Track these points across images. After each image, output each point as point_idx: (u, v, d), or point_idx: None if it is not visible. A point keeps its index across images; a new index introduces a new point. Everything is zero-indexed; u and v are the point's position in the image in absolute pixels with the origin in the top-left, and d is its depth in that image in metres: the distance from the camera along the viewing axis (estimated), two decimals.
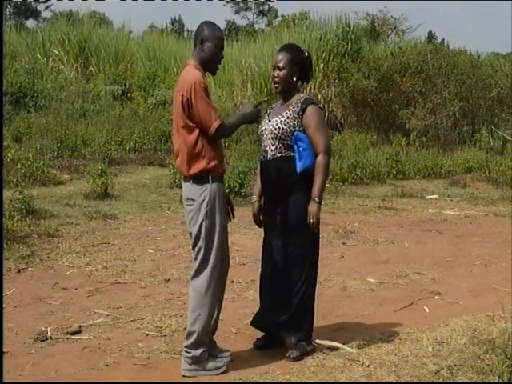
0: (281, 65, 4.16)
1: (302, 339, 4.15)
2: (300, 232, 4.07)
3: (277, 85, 4.22)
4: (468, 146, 14.07)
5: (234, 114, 4.08)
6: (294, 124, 4.10)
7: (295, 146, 4.08)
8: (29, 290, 5.46)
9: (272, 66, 4.30)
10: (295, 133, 4.09)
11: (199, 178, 3.88)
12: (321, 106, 4.42)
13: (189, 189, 3.94)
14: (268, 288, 4.22)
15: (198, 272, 3.93)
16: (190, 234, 3.99)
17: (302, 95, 4.21)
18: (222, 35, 3.99)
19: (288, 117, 4.12)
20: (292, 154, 4.10)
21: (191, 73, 3.87)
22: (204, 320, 3.91)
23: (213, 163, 3.89)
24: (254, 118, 4.07)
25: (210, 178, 3.89)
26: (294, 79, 4.19)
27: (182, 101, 3.82)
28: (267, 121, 4.25)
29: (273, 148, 4.14)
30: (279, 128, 4.10)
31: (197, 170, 3.87)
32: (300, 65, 4.20)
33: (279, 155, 4.12)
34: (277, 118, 4.15)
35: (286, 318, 4.13)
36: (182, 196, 4.15)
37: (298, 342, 4.14)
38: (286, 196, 4.10)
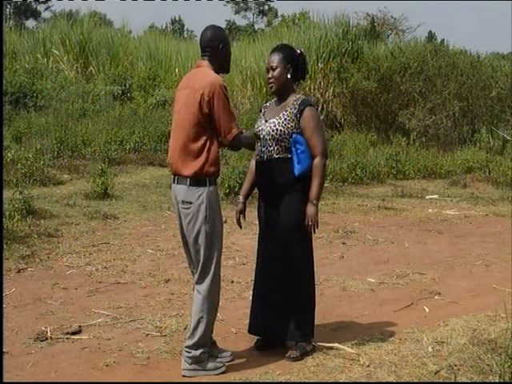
0: (274, 65, 4.16)
1: (302, 340, 4.15)
2: (294, 233, 4.07)
3: (272, 85, 4.20)
4: (468, 145, 14.08)
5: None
6: (291, 126, 4.09)
7: (293, 149, 4.08)
8: (29, 289, 5.46)
9: (266, 69, 4.30)
10: (293, 135, 4.08)
11: (197, 181, 3.85)
12: (316, 106, 4.41)
13: (185, 191, 3.88)
14: (264, 294, 4.20)
15: (202, 275, 3.91)
16: (185, 237, 3.95)
17: (297, 96, 4.19)
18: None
19: (286, 118, 4.10)
20: (289, 156, 4.09)
21: (214, 75, 3.86)
22: (206, 322, 3.91)
23: (213, 167, 3.87)
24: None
25: (207, 180, 3.87)
26: (289, 76, 4.17)
27: (201, 100, 3.78)
28: (263, 121, 4.23)
29: (270, 149, 4.13)
30: (277, 130, 4.09)
31: (195, 168, 3.82)
32: (293, 62, 4.19)
33: (276, 156, 4.12)
34: (274, 120, 4.13)
35: (288, 322, 4.11)
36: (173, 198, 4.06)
37: (298, 342, 4.14)
38: (282, 197, 4.09)
